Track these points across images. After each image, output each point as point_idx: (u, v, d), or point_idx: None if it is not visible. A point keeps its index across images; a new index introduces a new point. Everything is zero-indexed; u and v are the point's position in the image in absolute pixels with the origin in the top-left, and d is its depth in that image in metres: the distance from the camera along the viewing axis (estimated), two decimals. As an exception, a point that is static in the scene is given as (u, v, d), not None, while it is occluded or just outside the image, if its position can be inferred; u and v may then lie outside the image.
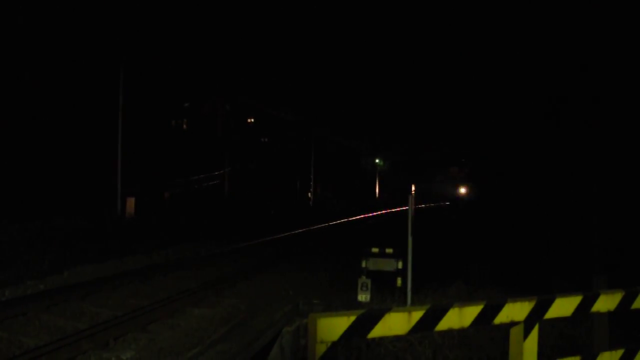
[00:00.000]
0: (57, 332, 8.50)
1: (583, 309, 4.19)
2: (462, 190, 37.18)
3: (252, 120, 47.38)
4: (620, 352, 4.50)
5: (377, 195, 72.93)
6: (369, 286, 10.42)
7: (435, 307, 3.52)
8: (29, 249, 14.97)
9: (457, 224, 32.06)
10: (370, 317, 3.26)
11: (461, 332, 6.90)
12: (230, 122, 42.01)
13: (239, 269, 15.29)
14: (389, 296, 10.59)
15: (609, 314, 4.68)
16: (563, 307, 4.06)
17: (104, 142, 23.83)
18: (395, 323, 3.33)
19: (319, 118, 59.28)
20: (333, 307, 9.71)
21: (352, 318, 3.20)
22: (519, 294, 8.94)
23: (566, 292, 4.40)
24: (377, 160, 76.91)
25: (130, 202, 22.40)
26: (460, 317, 3.56)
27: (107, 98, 23.50)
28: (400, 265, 10.94)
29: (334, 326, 3.15)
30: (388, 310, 3.35)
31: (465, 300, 9.75)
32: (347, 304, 10.09)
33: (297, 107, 52.41)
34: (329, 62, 67.76)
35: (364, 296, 10.38)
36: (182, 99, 37.96)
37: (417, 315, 3.40)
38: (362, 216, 47.47)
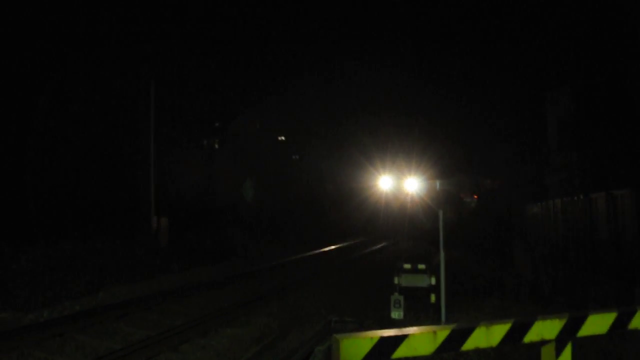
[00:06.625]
0: (91, 353, 8.61)
1: (619, 326, 4.02)
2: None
3: (284, 137, 47.68)
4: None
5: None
6: (402, 303, 10.25)
7: (461, 327, 3.42)
8: (65, 270, 15.27)
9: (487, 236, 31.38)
10: (394, 338, 3.19)
11: (497, 349, 6.73)
12: (261, 140, 42.38)
13: (271, 288, 15.28)
14: (422, 313, 10.43)
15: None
16: (597, 324, 3.89)
17: (137, 162, 24.21)
18: (420, 343, 3.25)
19: (352, 135, 59.23)
20: (366, 325, 9.59)
21: (376, 339, 3.13)
22: (556, 309, 8.68)
23: (607, 306, 4.24)
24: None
25: (164, 222, 22.66)
26: (487, 336, 3.46)
27: (140, 119, 23.93)
28: (433, 281, 10.78)
29: (357, 347, 3.09)
30: (412, 330, 3.28)
31: (500, 315, 9.53)
32: (380, 322, 9.96)
33: (328, 124, 52.55)
34: (362, 80, 67.80)
35: (397, 313, 10.22)
36: (213, 118, 38.48)
37: (442, 334, 3.31)
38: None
